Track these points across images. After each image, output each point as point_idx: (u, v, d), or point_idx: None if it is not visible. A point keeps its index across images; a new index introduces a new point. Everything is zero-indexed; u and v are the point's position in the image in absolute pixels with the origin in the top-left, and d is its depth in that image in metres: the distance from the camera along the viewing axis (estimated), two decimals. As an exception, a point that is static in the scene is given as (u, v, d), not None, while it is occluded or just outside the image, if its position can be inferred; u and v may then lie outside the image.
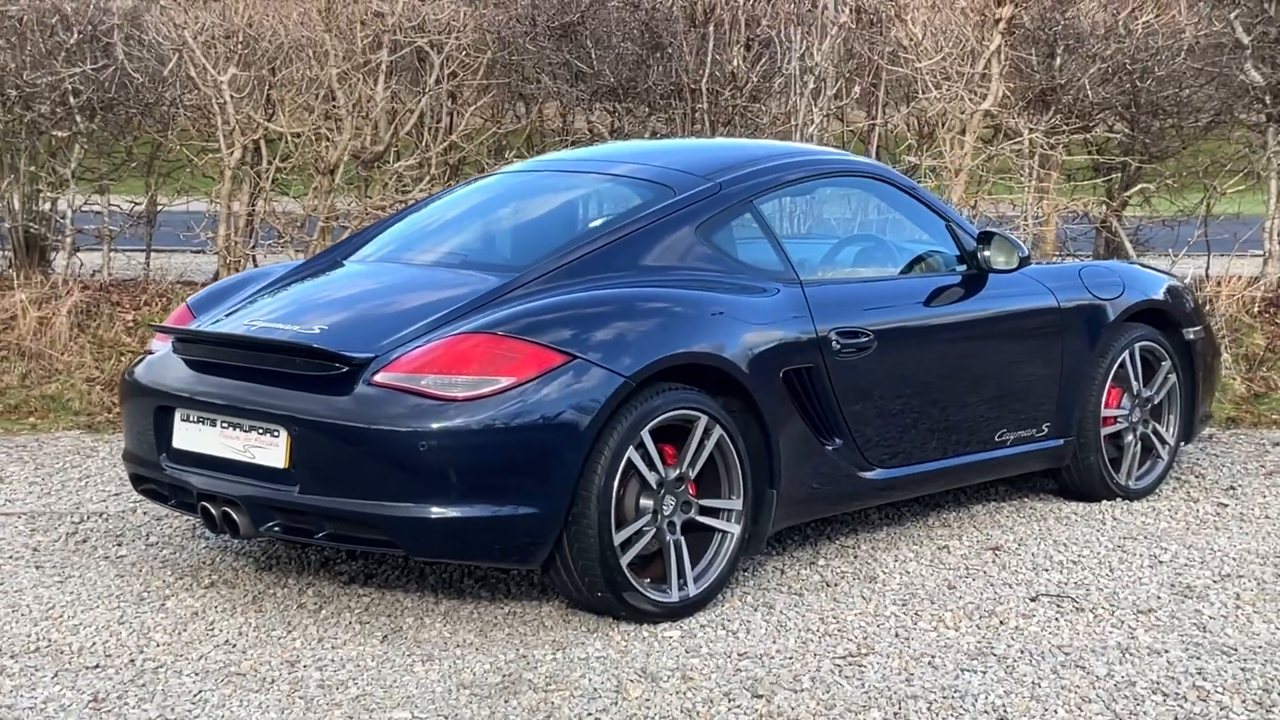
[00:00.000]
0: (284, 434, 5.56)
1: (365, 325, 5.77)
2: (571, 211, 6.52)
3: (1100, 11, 10.63)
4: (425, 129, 10.88)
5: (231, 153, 10.69)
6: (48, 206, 11.17)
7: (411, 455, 5.38)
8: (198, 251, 11.08)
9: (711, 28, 10.59)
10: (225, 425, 5.74)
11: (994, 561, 6.56)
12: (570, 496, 5.48)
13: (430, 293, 5.93)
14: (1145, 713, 4.99)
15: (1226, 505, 7.45)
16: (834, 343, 6.25)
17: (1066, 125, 10.65)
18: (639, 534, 5.69)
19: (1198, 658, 5.44)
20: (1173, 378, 7.67)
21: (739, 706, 5.00)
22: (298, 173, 10.96)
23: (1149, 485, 7.62)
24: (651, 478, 5.69)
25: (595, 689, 5.13)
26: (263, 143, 10.90)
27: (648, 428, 5.65)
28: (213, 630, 5.68)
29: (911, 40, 10.72)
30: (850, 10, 10.92)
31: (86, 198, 11.22)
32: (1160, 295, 7.64)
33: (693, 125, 10.79)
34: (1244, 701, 5.08)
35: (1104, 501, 7.47)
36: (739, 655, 5.45)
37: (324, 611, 5.88)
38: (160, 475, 6.00)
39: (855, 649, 5.52)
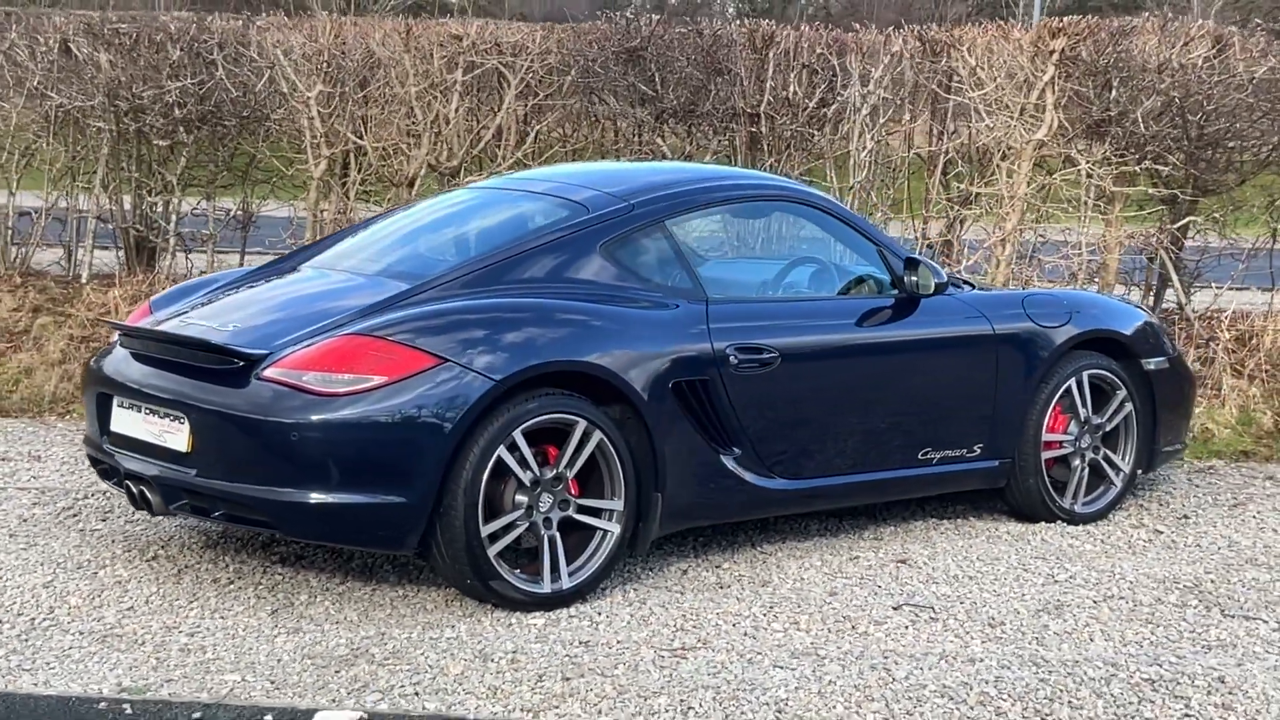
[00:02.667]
0: (187, 421, 6.12)
1: (272, 325, 6.31)
2: (493, 227, 6.96)
3: (1157, 45, 10.71)
4: (501, 145, 11.42)
5: (318, 164, 11.36)
6: (158, 210, 11.95)
7: (289, 445, 5.90)
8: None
9: (771, 54, 10.95)
10: (148, 411, 6.33)
11: (892, 573, 6.84)
12: (437, 489, 5.94)
13: (341, 298, 6.46)
14: (921, 713, 5.28)
15: (1162, 532, 7.60)
16: (732, 358, 6.60)
17: (1117, 157, 10.75)
18: (510, 527, 6.12)
19: (1008, 667, 5.69)
20: (1129, 406, 7.82)
21: (541, 686, 5.41)
22: (377, 184, 11.59)
23: (1098, 510, 7.78)
24: (526, 476, 6.12)
25: (425, 665, 5.58)
26: (352, 156, 11.55)
27: (520, 429, 6.08)
28: (124, 597, 6.26)
29: (967, 68, 10.94)
30: (904, 41, 11.16)
31: (195, 204, 12.00)
32: (1114, 325, 7.81)
33: (753, 148, 11.16)
34: (1024, 709, 5.33)
35: (1049, 524, 7.64)
36: (580, 643, 5.85)
37: (233, 586, 6.43)
38: (104, 456, 6.61)
39: (692, 643, 5.89)
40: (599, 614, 6.21)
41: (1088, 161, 10.80)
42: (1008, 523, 7.67)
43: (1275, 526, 7.77)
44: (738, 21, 11.34)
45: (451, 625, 6.03)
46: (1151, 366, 7.91)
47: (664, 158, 11.28)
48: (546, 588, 6.20)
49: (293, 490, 5.92)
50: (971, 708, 5.34)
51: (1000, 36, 10.91)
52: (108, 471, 6.72)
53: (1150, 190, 10.86)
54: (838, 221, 7.35)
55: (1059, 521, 7.68)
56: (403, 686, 5.39)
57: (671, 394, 6.46)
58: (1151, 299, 11.18)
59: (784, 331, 6.85)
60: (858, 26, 11.58)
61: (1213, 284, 11.02)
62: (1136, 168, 10.71)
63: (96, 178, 11.78)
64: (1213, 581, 6.84)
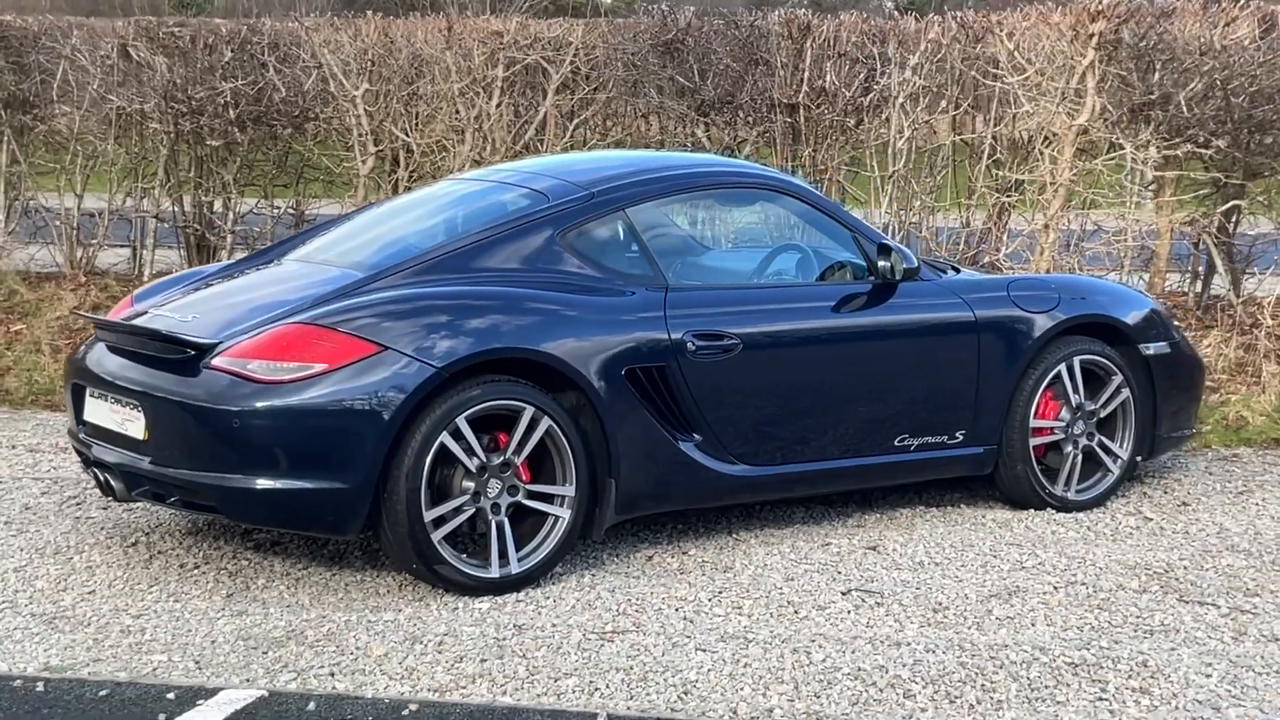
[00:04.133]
0: (142, 409, 6.28)
1: (229, 315, 6.45)
2: (456, 217, 7.04)
3: (1197, 26, 10.54)
4: (545, 139, 11.52)
5: (365, 162, 11.54)
6: (217, 210, 12.21)
7: (233, 431, 6.03)
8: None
9: (808, 44, 10.94)
10: (113, 401, 6.49)
11: (858, 560, 6.81)
12: (379, 474, 6.04)
13: (300, 288, 6.57)
14: (827, 694, 5.28)
15: (1152, 519, 7.49)
16: (689, 344, 6.63)
17: (1164, 142, 10.59)
18: (457, 511, 6.20)
19: (932, 651, 5.66)
20: (1125, 392, 7.71)
21: (456, 668, 5.49)
22: (423, 180, 11.72)
23: (1094, 497, 7.68)
24: (472, 462, 6.19)
25: (352, 647, 5.68)
26: (401, 153, 11.72)
27: (464, 415, 6.15)
28: (89, 581, 6.44)
29: (1006, 53, 10.84)
30: (941, 26, 11.08)
31: (256, 203, 12.24)
32: (1107, 310, 7.71)
33: (796, 139, 11.16)
34: (933, 693, 5.31)
35: (1040, 511, 7.55)
36: (514, 626, 5.91)
37: (197, 570, 6.58)
38: (80, 445, 6.79)
39: (627, 627, 5.93)
40: (546, 598, 6.27)
41: (1133, 146, 10.65)
42: (997, 510, 7.61)
43: (1275, 514, 7.62)
44: (778, 12, 11.32)
45: (398, 609, 6.12)
46: (1151, 352, 7.80)
47: (703, 149, 11.32)
48: (494, 572, 6.27)
49: (239, 476, 6.05)
50: (880, 690, 5.33)
51: (1041, 20, 10.79)
52: (87, 460, 6.89)
53: (1194, 175, 10.68)
54: (812, 209, 7.33)
55: (1049, 509, 7.56)
56: (321, 667, 5.49)
57: (625, 380, 6.50)
58: (1199, 285, 10.99)
59: (747, 318, 6.85)
60: (897, 15, 11.51)
61: (1255, 270, 10.80)
62: (1178, 152, 10.53)
63: (156, 179, 12.04)
64: (1185, 568, 6.73)
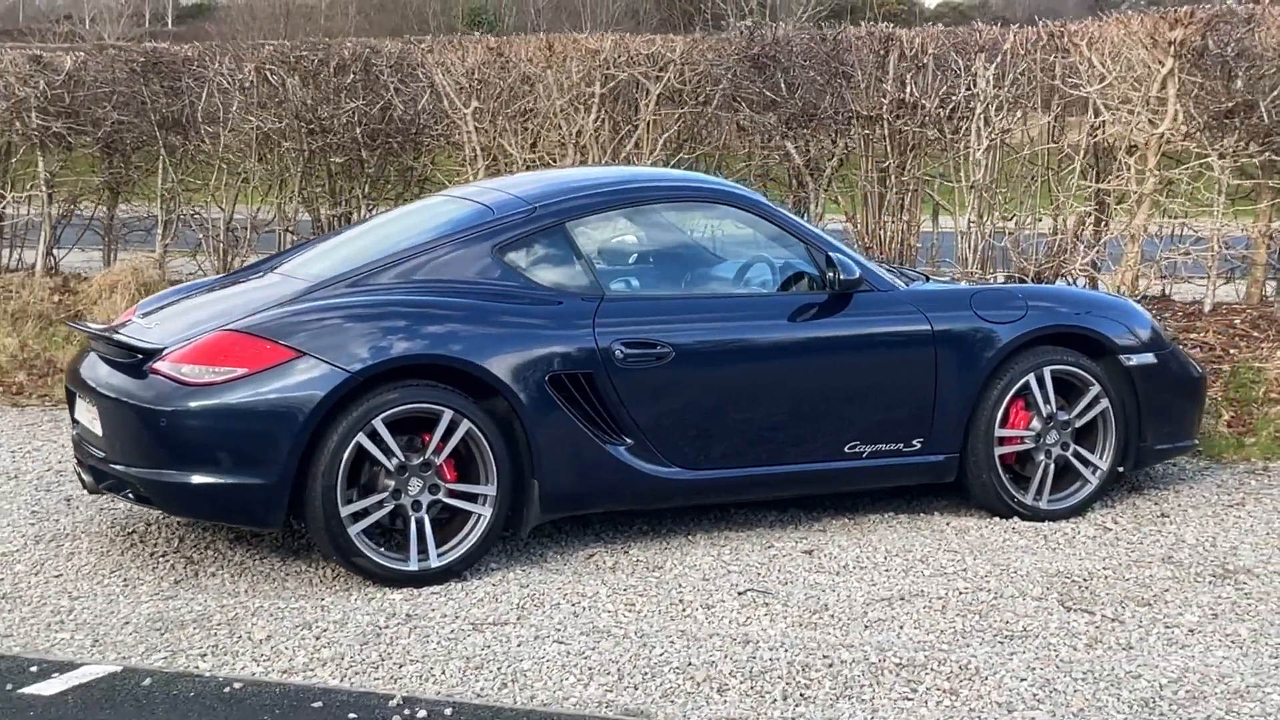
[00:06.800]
0: (97, 409, 6.86)
1: (187, 323, 7.00)
2: (408, 230, 7.43)
3: (1278, 31, 10.38)
4: (645, 153, 11.86)
5: (476, 175, 12.05)
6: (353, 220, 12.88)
7: (163, 430, 6.56)
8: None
9: (892, 57, 11.07)
10: (88, 401, 7.09)
11: (784, 563, 7.01)
12: (294, 471, 6.50)
13: (257, 299, 7.07)
14: (644, 685, 5.55)
15: (1112, 529, 7.51)
16: (618, 353, 6.93)
17: (1258, 148, 10.46)
18: (377, 506, 6.62)
19: (776, 649, 5.86)
20: (1103, 402, 7.73)
21: (318, 653, 5.90)
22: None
23: (1070, 507, 7.71)
24: (391, 462, 6.61)
25: (241, 632, 6.14)
26: (512, 168, 12.19)
27: (381, 417, 6.57)
28: (63, 566, 7.03)
29: (1085, 62, 10.81)
30: (1016, 36, 11.08)
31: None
32: (1080, 321, 7.74)
33: (884, 151, 11.30)
34: (747, 688, 5.52)
35: (1005, 519, 7.63)
36: (405, 615, 6.30)
37: (161, 559, 7.13)
38: (74, 443, 7.42)
39: (509, 619, 6.26)
40: (460, 590, 6.63)
41: (1217, 154, 10.53)
42: (967, 517, 7.69)
43: (1250, 527, 7.56)
44: (862, 25, 11.47)
45: (319, 598, 6.56)
46: (1133, 363, 7.81)
47: (790, 162, 11.53)
48: (413, 566, 6.66)
49: (172, 472, 6.57)
50: (697, 683, 5.56)
51: (1121, 25, 10.74)
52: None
53: (1271, 183, 10.51)
54: (764, 220, 7.55)
55: (1015, 517, 7.63)
56: (198, 649, 5.95)
57: (548, 386, 6.82)
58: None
59: (683, 327, 7.11)
60: (979, 23, 11.57)
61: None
62: (1255, 161, 10.37)
63: (293, 193, 12.76)
64: (1104, 578, 6.77)
